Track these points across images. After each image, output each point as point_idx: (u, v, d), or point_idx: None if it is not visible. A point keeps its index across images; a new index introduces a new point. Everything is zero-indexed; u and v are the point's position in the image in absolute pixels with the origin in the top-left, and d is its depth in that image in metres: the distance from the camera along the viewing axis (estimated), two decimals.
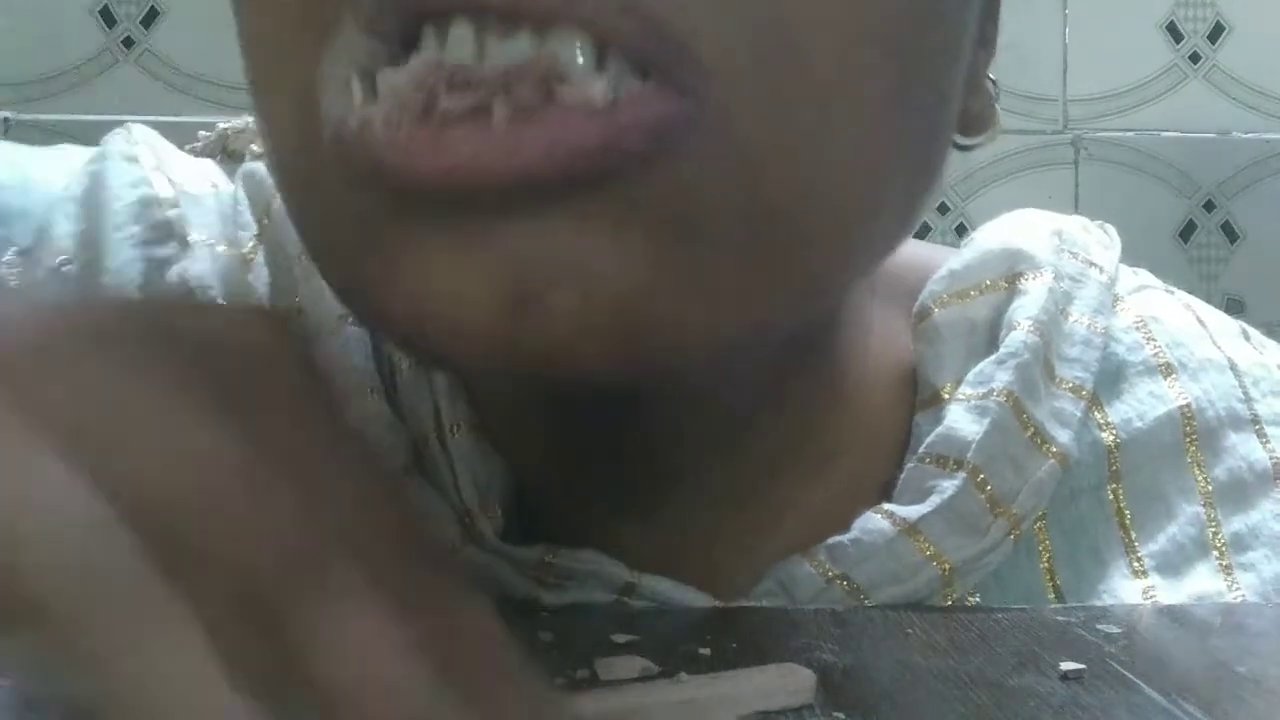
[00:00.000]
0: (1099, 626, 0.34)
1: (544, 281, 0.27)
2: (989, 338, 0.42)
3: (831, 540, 0.38)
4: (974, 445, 0.39)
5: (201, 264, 0.41)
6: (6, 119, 1.20)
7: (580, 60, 0.26)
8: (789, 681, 0.27)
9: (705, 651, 0.31)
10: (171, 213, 0.42)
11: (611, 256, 0.27)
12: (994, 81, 0.39)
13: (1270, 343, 0.47)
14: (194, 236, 0.42)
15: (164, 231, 0.42)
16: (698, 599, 0.38)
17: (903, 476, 0.40)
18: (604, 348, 0.28)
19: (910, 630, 0.34)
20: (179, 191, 0.42)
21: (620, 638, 0.32)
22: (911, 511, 0.38)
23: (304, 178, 0.30)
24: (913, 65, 0.30)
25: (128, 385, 0.20)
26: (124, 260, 0.41)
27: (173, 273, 0.41)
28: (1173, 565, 0.40)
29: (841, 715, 0.26)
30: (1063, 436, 0.40)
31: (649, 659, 0.29)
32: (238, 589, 0.19)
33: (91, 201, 0.42)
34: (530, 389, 0.36)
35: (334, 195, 0.28)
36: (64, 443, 0.19)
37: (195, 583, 0.19)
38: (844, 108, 0.28)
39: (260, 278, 0.42)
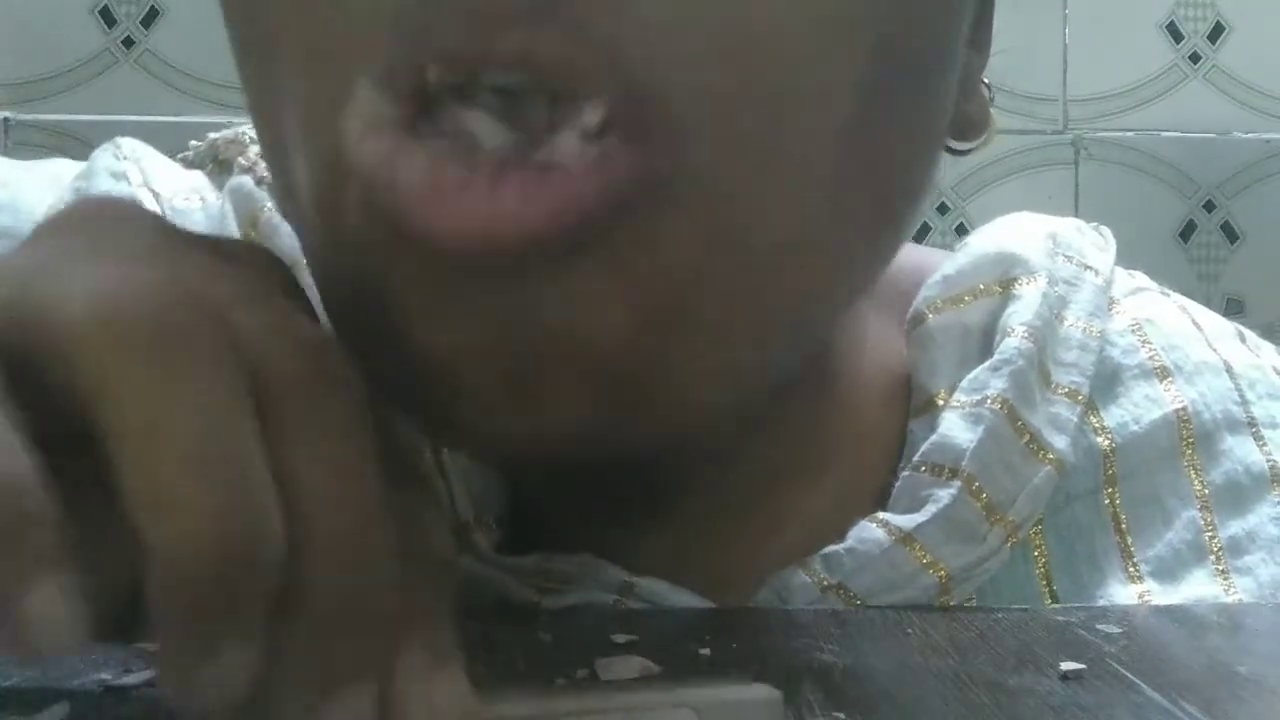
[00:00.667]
0: (1099, 626, 0.34)
1: (539, 357, 0.27)
2: (983, 343, 0.42)
3: (827, 550, 0.38)
4: (968, 453, 0.39)
5: None
6: (6, 119, 1.20)
7: (550, 114, 0.26)
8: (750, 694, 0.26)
9: (705, 652, 0.31)
10: None
11: (602, 323, 0.27)
12: (988, 85, 0.38)
13: (1266, 345, 0.47)
14: None
15: None
16: (694, 601, 0.38)
17: (898, 485, 0.39)
18: (598, 415, 0.28)
19: (910, 630, 0.34)
20: (164, 207, 0.42)
21: (620, 638, 0.32)
22: (907, 521, 0.38)
23: (319, 226, 0.30)
24: (899, 93, 0.30)
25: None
26: None
27: None
28: (1169, 570, 0.40)
29: (841, 715, 0.26)
30: (1059, 442, 0.40)
31: (649, 659, 0.29)
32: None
33: None
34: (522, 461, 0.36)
35: (348, 242, 0.29)
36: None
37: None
38: (825, 151, 0.28)
39: None
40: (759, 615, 0.37)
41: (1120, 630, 0.34)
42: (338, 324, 0.32)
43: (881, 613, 0.37)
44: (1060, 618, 0.36)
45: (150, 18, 1.21)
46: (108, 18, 1.21)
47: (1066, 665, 0.30)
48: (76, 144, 1.17)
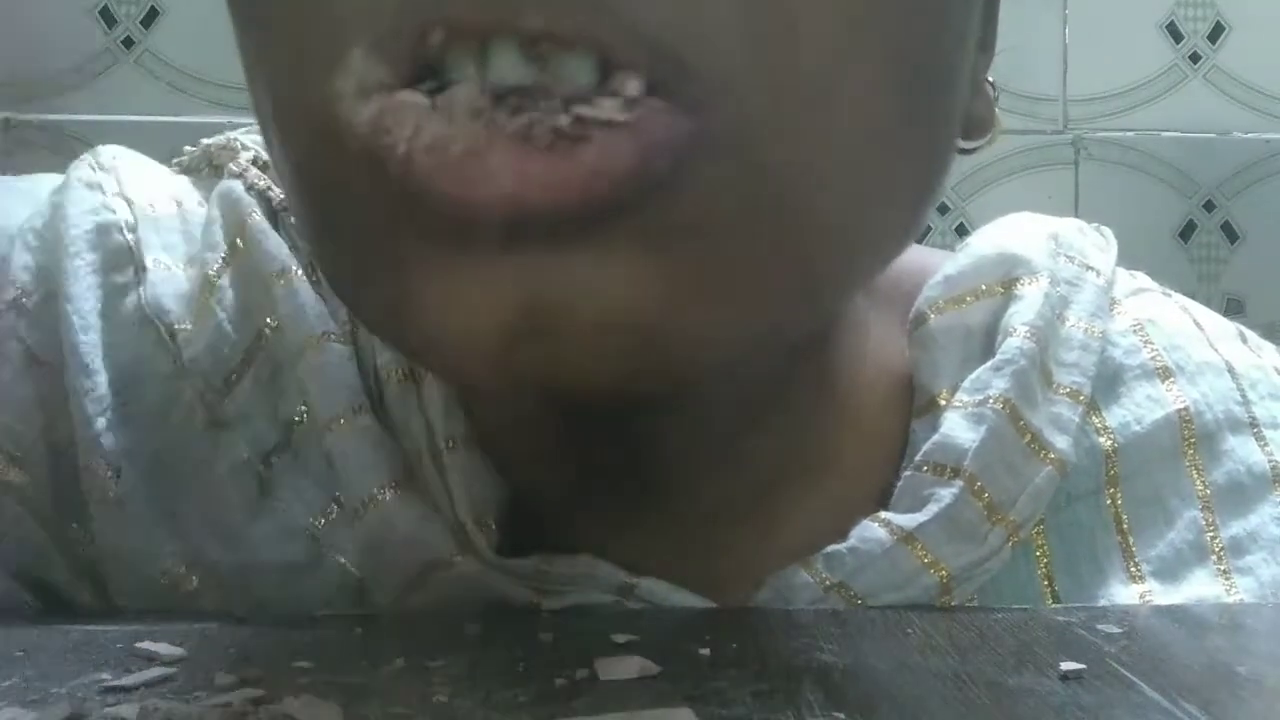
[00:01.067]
0: (1099, 626, 0.34)
1: (560, 306, 0.27)
2: (985, 344, 0.42)
3: (829, 549, 0.38)
4: (970, 453, 0.39)
5: (158, 288, 0.41)
6: (7, 119, 1.20)
7: (593, 78, 0.26)
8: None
9: (705, 652, 0.31)
10: (129, 237, 0.41)
11: (627, 284, 0.27)
12: (993, 84, 0.39)
13: (1267, 345, 0.47)
14: (151, 260, 0.41)
15: (121, 257, 0.41)
16: (694, 602, 0.38)
17: (900, 485, 0.39)
18: (616, 368, 0.28)
19: (910, 630, 0.34)
20: (137, 215, 0.42)
21: (620, 638, 0.32)
22: (909, 520, 0.38)
23: (326, 199, 0.30)
24: (918, 71, 0.30)
25: None
26: (82, 288, 0.40)
27: (129, 299, 0.41)
28: (1171, 570, 0.40)
29: (841, 715, 0.26)
30: (1061, 443, 0.40)
31: (649, 659, 0.29)
32: None
33: (50, 232, 0.41)
34: (534, 403, 0.36)
35: (352, 209, 0.29)
36: None
37: None
38: (849, 117, 0.29)
39: (224, 301, 0.41)
40: (759, 615, 0.37)
41: (1120, 630, 0.34)
42: (341, 293, 0.33)
43: (881, 613, 0.37)
44: (1060, 618, 0.36)
45: (150, 18, 1.21)
46: (108, 18, 1.21)
47: (1066, 665, 0.30)
48: (76, 144, 1.17)
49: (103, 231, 0.41)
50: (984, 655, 0.31)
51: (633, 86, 0.26)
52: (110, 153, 0.44)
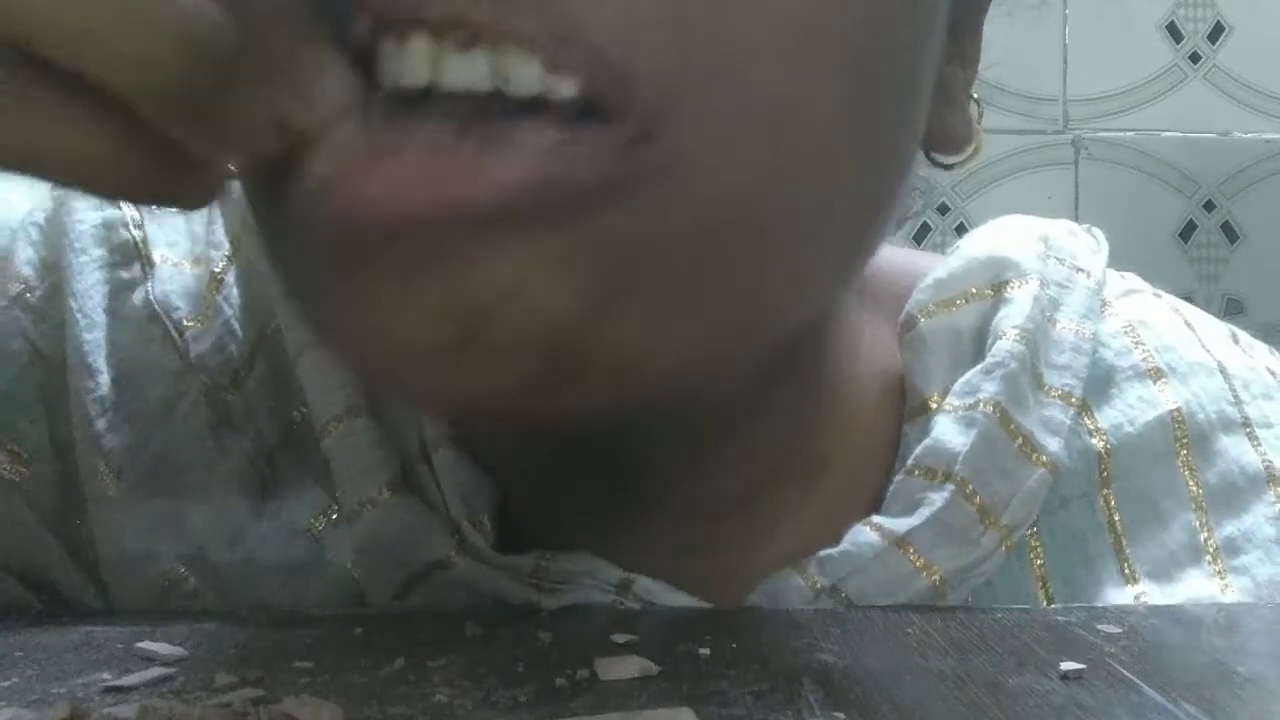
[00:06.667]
0: (1099, 626, 0.34)
1: (480, 314, 0.27)
2: (975, 347, 0.42)
3: (822, 553, 0.38)
4: (961, 457, 0.39)
5: (166, 284, 0.41)
6: None
7: (535, 76, 0.26)
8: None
9: (705, 652, 0.31)
10: (135, 233, 0.41)
11: (548, 288, 0.27)
12: (977, 100, 0.38)
13: (1259, 346, 0.46)
14: (159, 256, 0.41)
15: (127, 253, 0.41)
16: (689, 603, 0.38)
17: (891, 488, 0.39)
18: (536, 379, 0.28)
19: (910, 630, 0.34)
20: (143, 211, 0.42)
21: (620, 638, 0.32)
22: (900, 524, 0.38)
23: (272, 229, 0.30)
24: (864, 88, 0.30)
25: None
26: (88, 285, 0.40)
27: (136, 295, 0.41)
28: (1165, 572, 0.40)
29: (841, 715, 0.26)
30: (1052, 445, 0.40)
31: (649, 659, 0.29)
32: None
33: (54, 226, 0.41)
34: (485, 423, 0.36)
35: (296, 239, 0.29)
36: None
37: None
38: (796, 132, 0.28)
39: (230, 298, 0.41)
40: (759, 615, 0.37)
41: (1120, 630, 0.34)
42: (286, 289, 0.32)
43: (882, 613, 0.37)
44: (1060, 618, 0.36)
45: None
46: None
47: (1066, 665, 0.30)
48: None
49: (109, 227, 0.41)
50: (984, 655, 0.31)
51: (568, 86, 0.26)
52: None
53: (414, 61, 0.26)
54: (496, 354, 0.27)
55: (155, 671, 0.29)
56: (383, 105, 0.26)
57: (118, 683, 0.28)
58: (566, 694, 0.28)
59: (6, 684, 0.29)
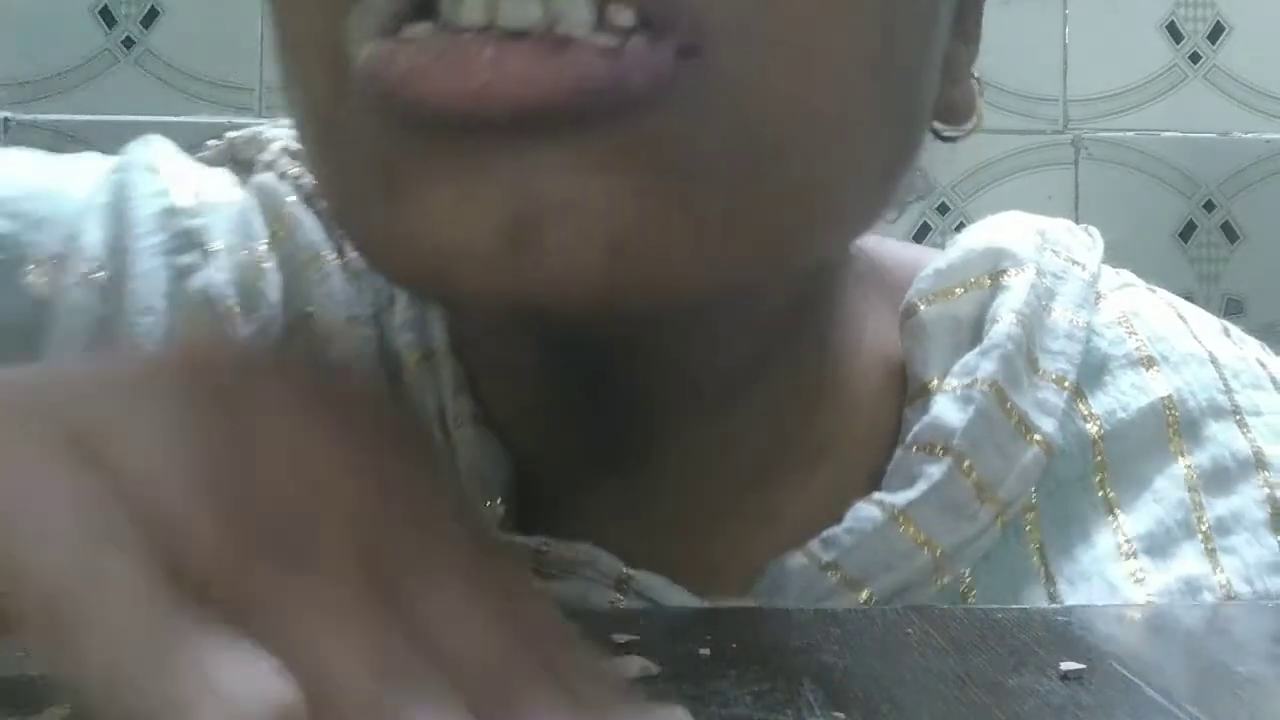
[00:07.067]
0: (1099, 626, 0.34)
1: (539, 216, 0.28)
2: (974, 334, 0.43)
3: (826, 533, 0.38)
4: (958, 432, 0.39)
5: (221, 273, 0.42)
6: (6, 119, 1.20)
7: (586, 15, 0.28)
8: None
9: (705, 652, 0.31)
10: (194, 221, 0.42)
11: (605, 194, 0.29)
12: (978, 79, 0.40)
13: (1250, 339, 0.48)
14: (215, 245, 0.42)
15: (186, 240, 0.42)
16: (689, 600, 0.38)
17: (890, 465, 0.40)
18: (594, 280, 0.29)
19: (910, 630, 0.34)
20: (200, 201, 0.43)
21: (620, 638, 0.32)
22: (900, 498, 0.39)
23: (329, 128, 0.32)
24: (889, 34, 0.32)
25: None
26: (148, 269, 0.41)
27: (195, 281, 0.41)
28: (1160, 547, 0.41)
29: (841, 715, 0.26)
30: (1046, 425, 0.41)
31: (649, 659, 0.29)
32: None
33: (117, 209, 0.42)
34: (525, 338, 0.37)
35: (356, 140, 0.31)
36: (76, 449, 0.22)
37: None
38: (828, 65, 0.31)
39: (272, 285, 0.42)
40: (759, 615, 0.37)
41: (1120, 630, 0.34)
42: (341, 215, 0.34)
43: (882, 613, 0.37)
44: (1060, 618, 0.36)
45: (150, 18, 1.21)
46: (108, 18, 1.21)
47: (1066, 665, 0.30)
48: (76, 144, 1.17)
49: (169, 214, 0.42)
50: (984, 655, 0.31)
51: (625, 17, 0.28)
52: (160, 142, 0.45)
53: (470, 7, 0.28)
54: (553, 255, 0.29)
55: None
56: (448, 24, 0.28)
57: None
58: None
59: (7, 683, 0.29)
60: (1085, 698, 0.28)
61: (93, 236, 0.41)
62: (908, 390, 0.42)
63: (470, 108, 0.28)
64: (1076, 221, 0.48)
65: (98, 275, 0.41)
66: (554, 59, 0.28)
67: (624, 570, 0.38)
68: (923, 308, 0.43)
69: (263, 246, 0.42)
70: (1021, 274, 0.43)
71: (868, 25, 0.31)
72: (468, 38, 0.28)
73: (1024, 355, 0.41)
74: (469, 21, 0.28)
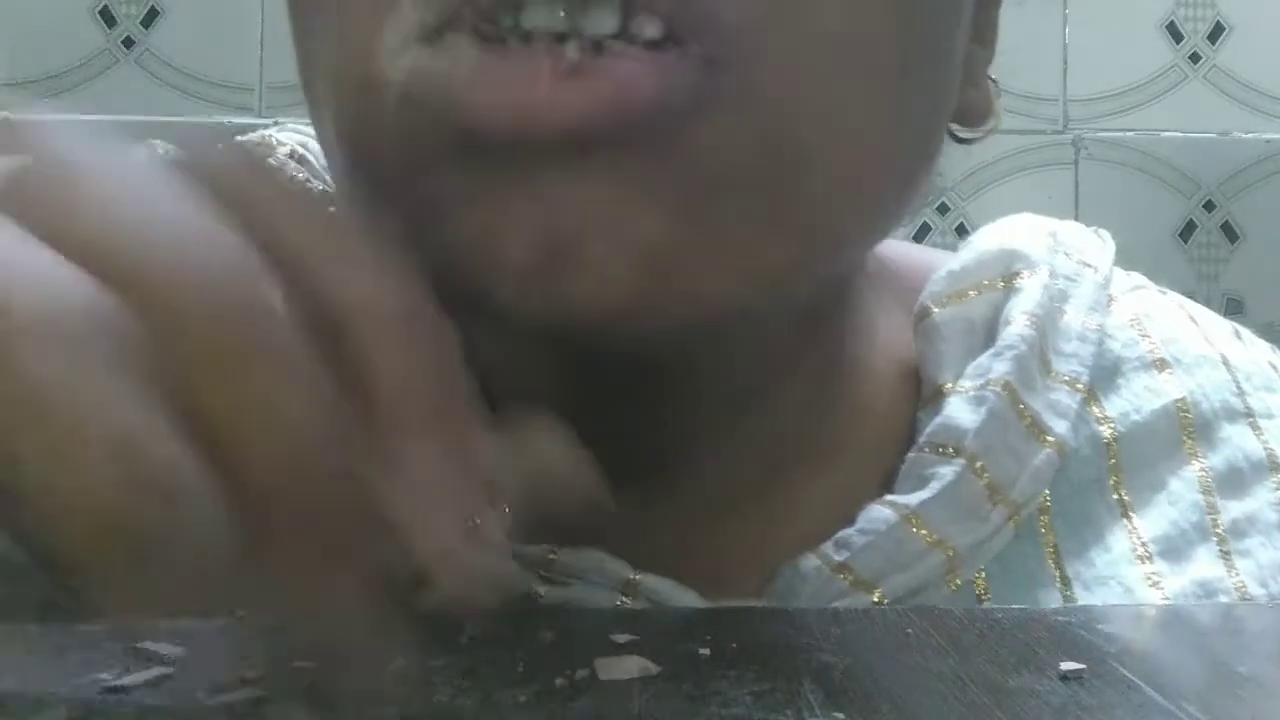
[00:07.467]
0: (1099, 626, 0.34)
1: (577, 233, 0.29)
2: (987, 336, 0.43)
3: (838, 534, 0.38)
4: (971, 433, 0.39)
5: None
6: (6, 119, 1.20)
7: (613, 24, 0.29)
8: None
9: (705, 652, 0.31)
10: None
11: (641, 211, 0.29)
12: (994, 81, 0.40)
13: (1260, 341, 0.48)
14: None
15: None
16: (697, 603, 0.38)
17: (903, 466, 0.40)
18: (630, 297, 0.30)
19: (910, 630, 0.34)
20: None
21: (620, 638, 0.32)
22: (912, 498, 0.39)
23: (365, 137, 0.33)
24: (913, 41, 0.33)
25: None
26: None
27: None
28: (1175, 550, 0.41)
29: (841, 715, 0.26)
30: (1059, 426, 0.41)
31: (649, 659, 0.29)
32: None
33: None
34: (552, 355, 0.37)
35: (395, 150, 0.31)
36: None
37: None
38: (854, 73, 0.31)
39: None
40: (759, 615, 0.37)
41: (1120, 630, 0.34)
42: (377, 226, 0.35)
43: (882, 613, 0.37)
44: (1060, 618, 0.36)
45: (150, 18, 1.21)
46: (108, 18, 1.21)
47: (1066, 665, 0.30)
48: None
49: None
50: (984, 655, 0.31)
51: (652, 28, 0.29)
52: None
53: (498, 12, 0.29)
54: (589, 272, 0.30)
55: (155, 671, 0.29)
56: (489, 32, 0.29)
57: (118, 683, 0.28)
58: (566, 694, 0.28)
59: (6, 684, 0.29)
60: (1085, 698, 0.28)
61: None
62: (921, 392, 0.42)
63: (519, 128, 0.28)
64: (1076, 222, 0.48)
65: None
66: (598, 80, 0.28)
67: (631, 574, 0.38)
68: (936, 310, 0.43)
69: None
70: (1034, 276, 0.43)
71: (892, 31, 0.32)
72: (514, 52, 0.28)
73: (1037, 357, 0.41)
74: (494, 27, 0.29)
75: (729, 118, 0.30)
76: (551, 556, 0.38)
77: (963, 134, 0.40)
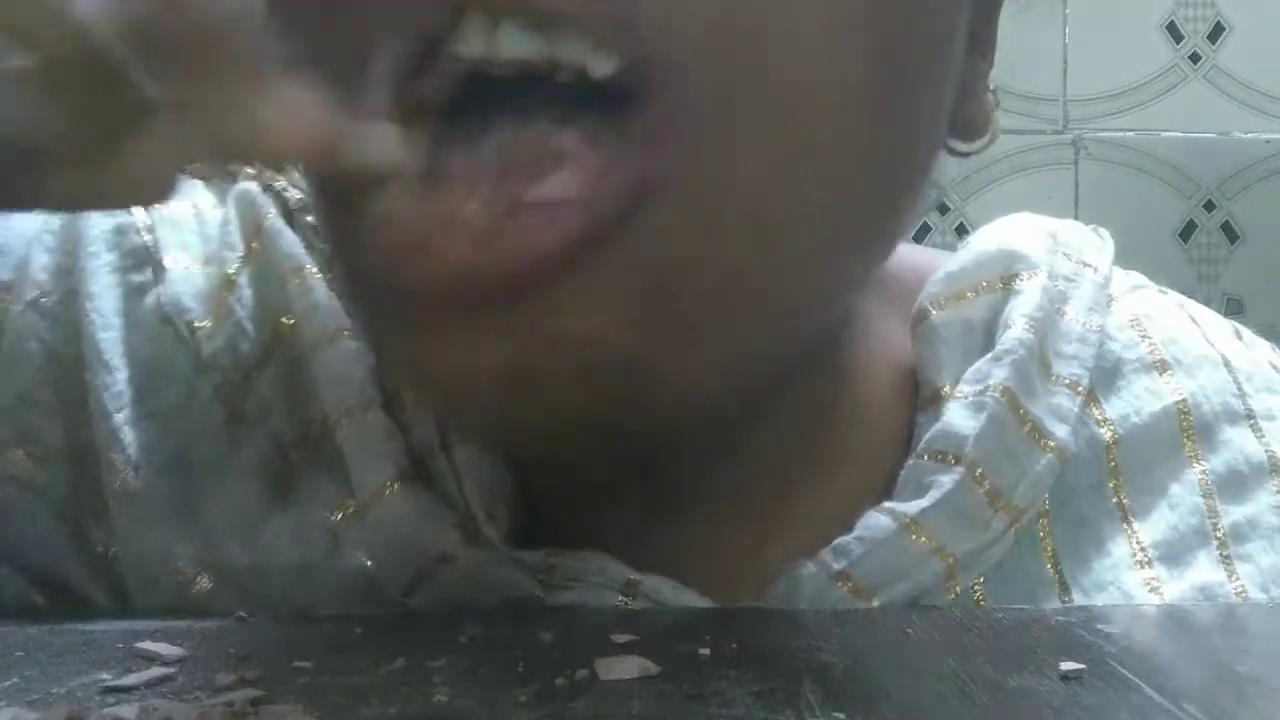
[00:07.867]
0: (1099, 626, 0.34)
1: (536, 355, 0.30)
2: (986, 338, 0.42)
3: (836, 542, 0.38)
4: (971, 440, 0.39)
5: (177, 287, 0.42)
6: None
7: (581, 54, 0.28)
8: None
9: (705, 652, 0.31)
10: (146, 238, 0.42)
11: (600, 325, 0.29)
12: (994, 91, 0.40)
13: (1261, 342, 0.47)
14: (170, 260, 0.42)
15: (139, 257, 0.42)
16: (698, 603, 0.38)
17: (902, 474, 0.40)
18: (596, 407, 0.30)
19: (910, 630, 0.34)
20: (154, 216, 0.43)
21: (620, 638, 0.32)
22: (911, 506, 0.38)
23: (346, 278, 0.35)
24: (891, 87, 0.32)
25: None
26: (101, 287, 0.41)
27: (149, 298, 0.41)
28: (1175, 555, 0.41)
29: (841, 715, 0.26)
30: (1060, 431, 0.40)
31: (649, 659, 0.29)
32: None
33: (69, 232, 0.42)
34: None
35: (361, 291, 0.33)
36: None
37: None
38: (828, 149, 0.30)
39: (243, 299, 0.42)
40: (759, 615, 0.37)
41: (1120, 630, 0.34)
42: (364, 334, 0.37)
43: (882, 613, 0.37)
44: (1060, 618, 0.36)
45: None
46: None
47: (1066, 665, 0.30)
48: None
49: (121, 232, 0.42)
50: (984, 655, 0.31)
51: (605, 66, 0.28)
52: None
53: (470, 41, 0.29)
54: (553, 392, 0.30)
55: (155, 671, 0.29)
56: (428, 132, 0.29)
57: (118, 683, 0.28)
58: (566, 694, 0.28)
59: (6, 684, 0.29)
60: (1085, 698, 0.28)
61: (38, 262, 0.42)
62: (919, 396, 0.42)
63: (457, 288, 0.29)
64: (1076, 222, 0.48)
65: (44, 300, 0.41)
66: (523, 228, 0.28)
67: (631, 575, 0.38)
68: (934, 312, 0.42)
69: (236, 259, 0.42)
70: (1034, 277, 0.43)
71: (865, 69, 0.31)
72: (450, 211, 0.29)
73: (1037, 360, 0.41)
74: (469, 55, 0.29)
75: (681, 192, 0.29)
76: (552, 561, 0.38)
77: (960, 148, 0.40)
